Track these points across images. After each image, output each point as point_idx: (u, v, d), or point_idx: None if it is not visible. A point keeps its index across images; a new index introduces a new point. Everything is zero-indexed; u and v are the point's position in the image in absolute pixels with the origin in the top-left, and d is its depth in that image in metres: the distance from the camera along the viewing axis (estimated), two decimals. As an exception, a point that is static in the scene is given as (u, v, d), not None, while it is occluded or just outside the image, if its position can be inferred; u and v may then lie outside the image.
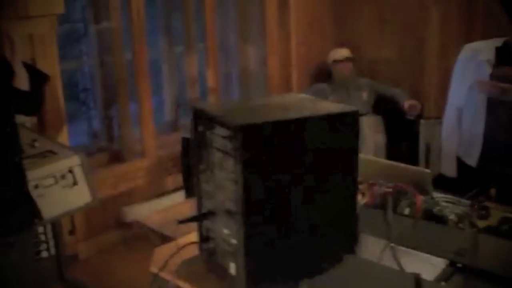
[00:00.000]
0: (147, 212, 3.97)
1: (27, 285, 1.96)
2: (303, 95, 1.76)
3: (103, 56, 4.42)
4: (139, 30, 4.31)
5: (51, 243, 3.45)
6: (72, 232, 4.10)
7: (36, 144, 3.13)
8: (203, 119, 1.61)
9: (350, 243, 1.67)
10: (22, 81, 1.83)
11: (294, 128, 1.48)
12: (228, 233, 1.56)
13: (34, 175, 2.79)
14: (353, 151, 1.60)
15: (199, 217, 1.67)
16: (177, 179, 4.59)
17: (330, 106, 1.63)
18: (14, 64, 1.80)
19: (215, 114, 1.55)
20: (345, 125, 1.56)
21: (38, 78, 1.97)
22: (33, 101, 2.01)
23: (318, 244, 1.59)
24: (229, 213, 1.54)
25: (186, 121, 4.99)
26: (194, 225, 1.75)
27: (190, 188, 4.40)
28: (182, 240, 1.78)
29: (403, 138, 4.97)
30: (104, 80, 4.49)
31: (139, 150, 4.55)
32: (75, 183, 3.09)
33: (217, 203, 1.60)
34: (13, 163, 1.89)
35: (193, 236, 1.83)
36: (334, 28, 5.53)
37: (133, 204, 4.41)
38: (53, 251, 3.45)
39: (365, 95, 5.00)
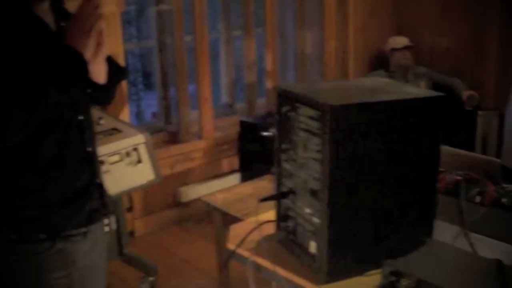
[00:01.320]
0: (203, 192, 4.02)
1: (98, 274, 1.94)
2: (384, 79, 1.76)
3: (161, 38, 4.48)
4: (200, 12, 4.35)
5: (112, 218, 3.52)
6: (130, 209, 4.20)
7: (102, 121, 3.19)
8: (287, 99, 1.63)
9: (428, 227, 1.68)
10: (101, 75, 1.79)
11: (383, 111, 1.49)
12: (310, 212, 1.58)
13: (100, 151, 2.86)
14: (438, 137, 1.61)
15: (280, 195, 1.70)
16: (233, 161, 4.64)
17: (415, 91, 1.63)
18: (98, 57, 1.74)
19: (300, 94, 1.57)
20: (432, 110, 1.56)
21: (118, 73, 1.96)
22: (109, 94, 2.00)
23: (399, 226, 1.60)
24: (312, 192, 1.56)
25: (243, 104, 5.04)
26: (255, 205, 1.75)
27: (245, 171, 4.45)
28: (255, 219, 1.80)
29: (460, 128, 4.91)
30: (162, 61, 4.55)
31: (196, 132, 4.61)
32: (139, 161, 3.14)
33: (299, 182, 1.62)
34: (85, 152, 1.84)
35: (267, 215, 1.85)
36: (393, 15, 5.48)
37: (189, 185, 4.48)
38: (113, 226, 3.52)
39: (422, 84, 4.95)
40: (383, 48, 5.17)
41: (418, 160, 1.58)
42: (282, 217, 1.74)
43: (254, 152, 4.24)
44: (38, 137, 1.67)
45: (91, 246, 1.85)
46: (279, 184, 1.74)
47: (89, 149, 1.85)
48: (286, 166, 1.68)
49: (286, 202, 1.71)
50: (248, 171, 4.25)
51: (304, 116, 1.55)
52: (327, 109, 1.43)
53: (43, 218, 1.74)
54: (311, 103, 1.51)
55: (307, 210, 1.59)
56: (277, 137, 1.70)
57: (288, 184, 1.69)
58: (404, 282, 1.40)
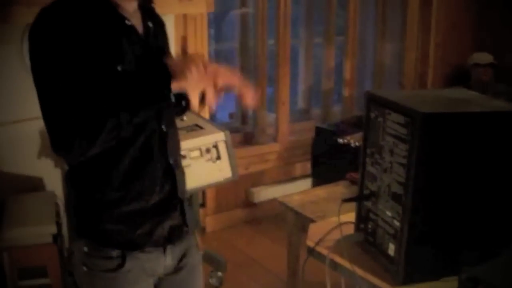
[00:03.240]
0: (275, 194, 4.10)
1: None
2: (474, 92, 1.79)
3: (243, 40, 4.58)
4: (284, 17, 4.44)
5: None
6: (202, 205, 4.31)
7: (185, 118, 3.30)
8: (376, 105, 1.68)
9: (508, 238, 1.69)
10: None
11: (474, 122, 1.53)
12: (391, 215, 1.63)
13: (182, 146, 2.97)
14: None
15: (363, 197, 1.75)
16: (305, 166, 4.70)
17: (506, 105, 1.65)
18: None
19: (391, 100, 1.62)
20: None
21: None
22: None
23: (479, 235, 1.63)
24: (395, 196, 1.60)
25: (318, 110, 5.09)
26: (331, 208, 1.79)
27: (317, 176, 4.49)
28: (334, 219, 1.86)
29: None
30: (243, 63, 4.65)
31: (271, 134, 4.69)
32: (218, 157, 3.24)
33: (382, 186, 1.67)
34: (167, 164, 1.75)
35: (346, 217, 1.89)
36: (476, 31, 5.42)
37: (261, 186, 4.56)
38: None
39: (502, 102, 4.87)
40: (465, 63, 5.13)
41: (504, 172, 1.60)
42: (362, 219, 1.79)
43: (328, 158, 4.28)
44: (118, 149, 1.62)
45: (171, 260, 1.81)
46: (361, 186, 1.79)
47: (171, 161, 1.76)
48: (370, 169, 1.73)
49: (367, 204, 1.76)
50: (321, 176, 4.29)
51: (393, 122, 1.59)
52: (417, 116, 1.48)
53: (120, 233, 1.69)
54: (401, 110, 1.55)
55: (388, 213, 1.64)
56: (364, 140, 1.75)
57: (370, 187, 1.74)
58: (482, 289, 1.42)
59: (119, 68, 1.58)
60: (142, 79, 1.57)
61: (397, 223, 1.60)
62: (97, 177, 1.67)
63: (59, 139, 1.52)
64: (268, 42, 4.52)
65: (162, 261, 1.78)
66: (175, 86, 1.54)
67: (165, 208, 1.75)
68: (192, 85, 1.55)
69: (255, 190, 4.51)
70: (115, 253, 1.69)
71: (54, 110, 1.52)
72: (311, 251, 1.85)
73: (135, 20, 1.70)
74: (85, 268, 1.72)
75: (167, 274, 1.83)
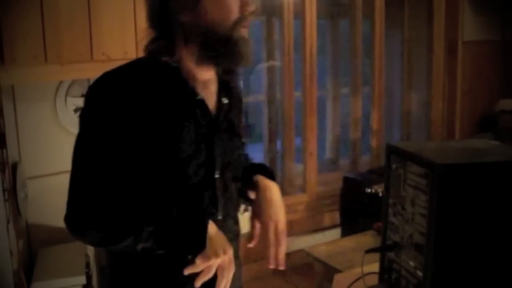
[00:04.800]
0: (304, 245, 4.10)
1: None
2: (493, 142, 1.81)
3: (270, 92, 4.66)
4: (310, 69, 4.51)
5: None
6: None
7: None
8: (397, 156, 1.71)
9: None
10: None
11: (490, 172, 1.55)
12: (414, 265, 1.64)
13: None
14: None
15: (386, 248, 1.76)
16: (334, 216, 4.69)
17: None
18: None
19: (410, 151, 1.65)
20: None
21: None
22: None
23: (503, 285, 1.63)
24: (417, 246, 1.61)
25: (346, 160, 5.12)
26: (358, 258, 1.80)
27: (346, 226, 4.49)
28: (358, 270, 1.87)
29: None
30: (270, 115, 4.72)
31: (299, 185, 4.71)
32: (246, 209, 3.26)
33: (404, 236, 1.69)
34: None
35: (370, 267, 1.91)
36: (502, 77, 5.43)
37: (290, 236, 4.56)
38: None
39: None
40: (492, 110, 5.13)
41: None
42: (385, 269, 1.80)
43: (356, 208, 4.28)
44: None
45: None
46: (384, 237, 1.80)
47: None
48: (393, 220, 1.75)
49: (390, 255, 1.77)
50: (349, 226, 4.29)
51: (413, 173, 1.62)
52: (434, 167, 1.51)
53: None
54: (419, 161, 1.58)
55: (411, 264, 1.65)
56: (385, 192, 1.78)
57: (393, 237, 1.75)
58: None
59: (180, 149, 1.44)
60: (178, 220, 1.44)
61: (420, 274, 1.61)
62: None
63: (73, 222, 1.44)
64: (296, 94, 4.59)
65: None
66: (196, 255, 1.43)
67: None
68: (206, 260, 1.44)
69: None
70: None
71: (79, 193, 1.42)
72: (335, 302, 1.86)
73: (208, 92, 1.54)
74: None
75: None
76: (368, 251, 1.77)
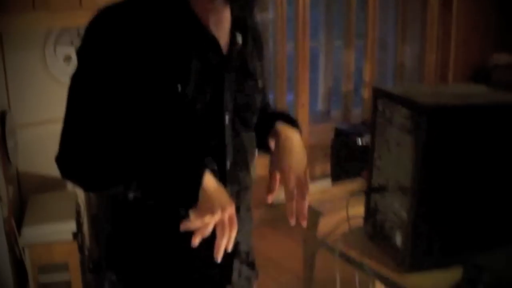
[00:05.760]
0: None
1: None
2: (483, 86, 1.81)
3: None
4: (303, 21, 4.47)
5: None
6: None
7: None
8: (383, 99, 1.71)
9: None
10: None
11: (479, 114, 1.55)
12: (398, 207, 1.66)
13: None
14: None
15: (371, 190, 1.78)
16: (325, 167, 4.71)
17: (509, 97, 1.67)
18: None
19: (397, 95, 1.65)
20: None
21: None
22: None
23: (484, 225, 1.65)
24: (402, 188, 1.63)
25: (338, 112, 5.11)
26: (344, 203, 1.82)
27: (336, 177, 4.51)
28: (344, 213, 1.88)
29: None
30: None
31: (291, 137, 4.70)
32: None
33: (390, 179, 1.70)
34: None
35: (356, 210, 1.92)
36: (497, 32, 5.39)
37: (280, 187, 4.57)
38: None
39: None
40: (485, 64, 5.11)
41: (508, 162, 1.62)
42: (371, 212, 1.82)
43: (347, 159, 4.29)
44: None
45: None
46: (370, 180, 1.82)
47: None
48: (378, 163, 1.76)
49: (376, 197, 1.79)
50: (340, 177, 4.31)
51: (399, 116, 1.62)
52: (422, 110, 1.51)
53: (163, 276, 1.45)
54: (406, 103, 1.59)
55: (396, 205, 1.67)
56: (371, 134, 1.78)
57: (379, 180, 1.77)
58: (486, 277, 1.44)
59: (178, 88, 1.29)
60: (172, 170, 1.30)
61: (404, 214, 1.63)
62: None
63: (64, 163, 1.36)
64: (288, 46, 4.55)
65: None
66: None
67: None
68: (200, 216, 1.29)
69: (273, 191, 4.51)
70: None
71: (71, 133, 1.34)
72: (322, 242, 1.89)
73: (221, 31, 1.36)
74: None
75: None
76: (353, 194, 1.79)
